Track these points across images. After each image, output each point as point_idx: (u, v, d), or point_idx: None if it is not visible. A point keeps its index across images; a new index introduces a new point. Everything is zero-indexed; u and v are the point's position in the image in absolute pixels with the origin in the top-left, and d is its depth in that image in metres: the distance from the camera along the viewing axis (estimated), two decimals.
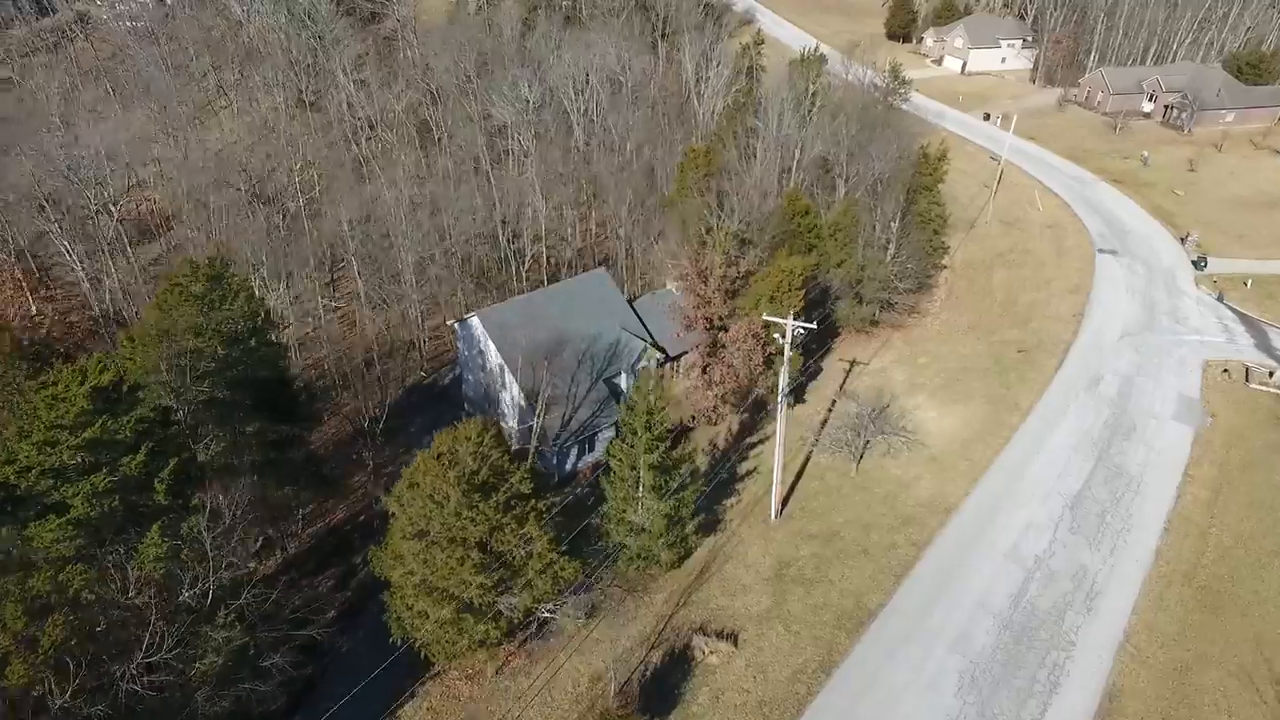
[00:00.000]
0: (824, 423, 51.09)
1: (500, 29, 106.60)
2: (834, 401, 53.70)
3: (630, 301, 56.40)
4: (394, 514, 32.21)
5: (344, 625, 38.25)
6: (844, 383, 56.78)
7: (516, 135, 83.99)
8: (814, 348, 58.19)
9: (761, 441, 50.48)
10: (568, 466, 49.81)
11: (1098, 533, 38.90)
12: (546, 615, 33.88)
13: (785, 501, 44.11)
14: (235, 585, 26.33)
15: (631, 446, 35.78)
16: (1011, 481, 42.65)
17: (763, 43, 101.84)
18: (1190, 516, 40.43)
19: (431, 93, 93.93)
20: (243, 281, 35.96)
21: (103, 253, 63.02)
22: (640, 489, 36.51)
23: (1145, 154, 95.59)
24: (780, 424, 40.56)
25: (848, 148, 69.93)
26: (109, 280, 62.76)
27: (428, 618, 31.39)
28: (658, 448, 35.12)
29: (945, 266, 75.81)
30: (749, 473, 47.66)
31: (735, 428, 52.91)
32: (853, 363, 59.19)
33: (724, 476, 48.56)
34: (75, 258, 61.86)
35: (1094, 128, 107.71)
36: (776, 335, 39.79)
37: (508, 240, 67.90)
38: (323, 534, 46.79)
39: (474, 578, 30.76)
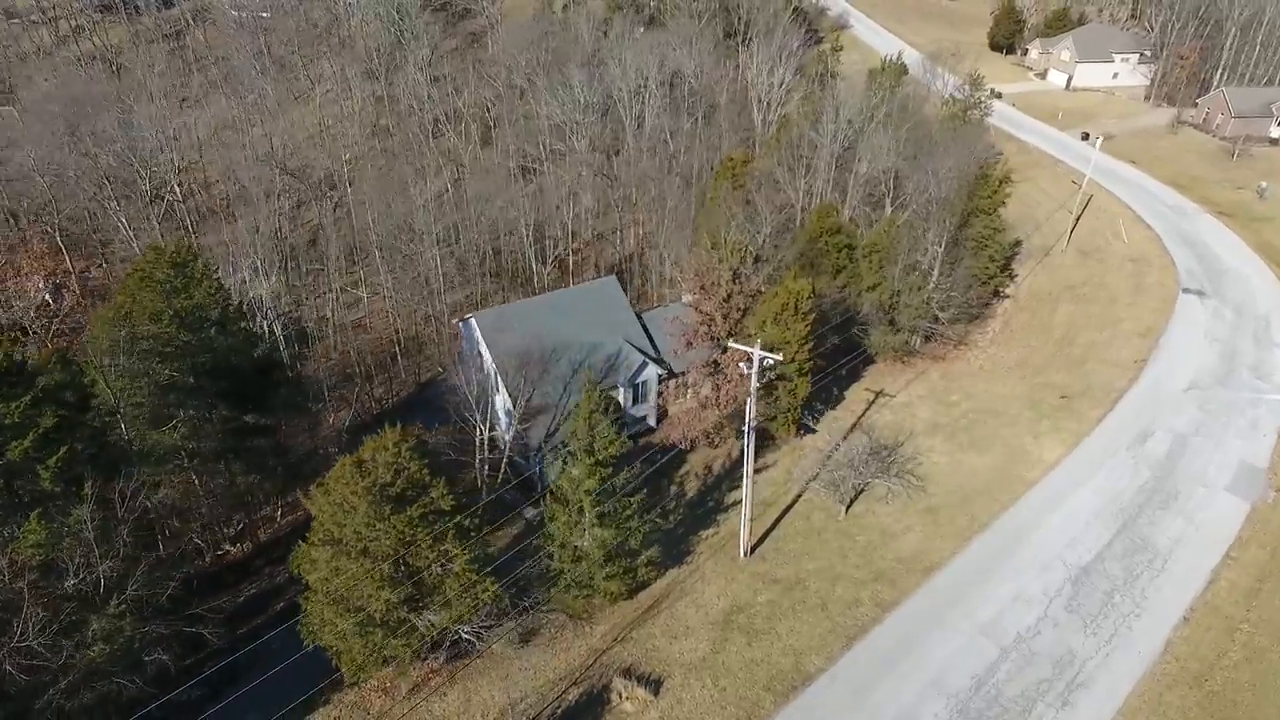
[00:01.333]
0: (829, 456, 47.56)
1: (577, 29, 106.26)
2: (847, 435, 50.05)
3: (639, 314, 54.45)
4: (315, 516, 31.64)
5: (287, 621, 38.01)
6: (863, 415, 52.97)
7: (569, 136, 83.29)
8: (841, 375, 54.63)
9: (760, 470, 47.42)
10: (552, 476, 48.33)
11: (1099, 614, 34.14)
12: (464, 636, 32.50)
13: (763, 538, 41.25)
14: (121, 577, 26.16)
15: (574, 470, 33.99)
16: (1010, 544, 38.13)
17: (841, 49, 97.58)
18: (1219, 607, 34.99)
19: (498, 90, 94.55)
20: (205, 269, 36.26)
21: (156, 230, 66.13)
22: (584, 515, 34.64)
23: (1263, 184, 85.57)
24: (748, 460, 37.76)
25: (897, 165, 65.56)
26: None
27: (335, 627, 30.66)
28: (597, 473, 33.17)
29: (1008, 296, 70.21)
30: (736, 502, 44.82)
31: (735, 453, 50.13)
32: (878, 394, 55.20)
33: (710, 504, 46.08)
34: (131, 233, 65.23)
35: (1207, 153, 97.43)
36: (741, 364, 37.01)
37: (532, 240, 67.17)
38: (302, 522, 47.16)
39: (380, 592, 29.79)
